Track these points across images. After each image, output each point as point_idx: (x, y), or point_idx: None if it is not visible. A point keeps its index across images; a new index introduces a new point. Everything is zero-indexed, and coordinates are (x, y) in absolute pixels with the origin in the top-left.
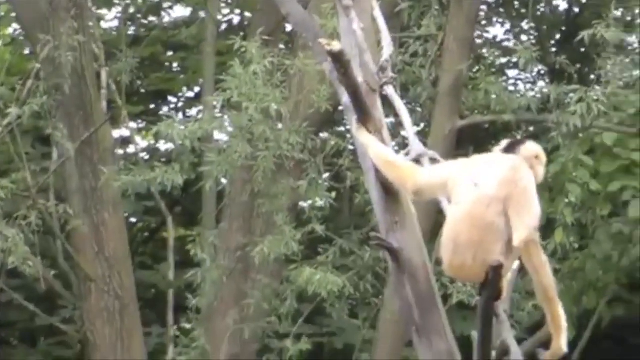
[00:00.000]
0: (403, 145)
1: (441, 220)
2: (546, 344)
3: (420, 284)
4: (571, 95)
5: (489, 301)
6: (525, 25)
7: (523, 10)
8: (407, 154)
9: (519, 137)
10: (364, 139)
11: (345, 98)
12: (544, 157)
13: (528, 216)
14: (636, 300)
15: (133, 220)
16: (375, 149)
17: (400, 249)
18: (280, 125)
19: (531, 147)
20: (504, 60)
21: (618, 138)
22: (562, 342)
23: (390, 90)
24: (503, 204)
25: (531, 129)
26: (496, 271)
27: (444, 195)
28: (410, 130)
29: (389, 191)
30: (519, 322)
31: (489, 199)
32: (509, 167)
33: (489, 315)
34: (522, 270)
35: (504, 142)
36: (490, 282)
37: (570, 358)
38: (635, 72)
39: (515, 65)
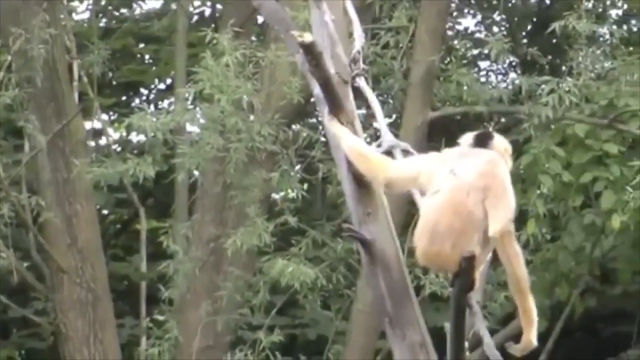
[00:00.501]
0: (375, 136)
1: (413, 212)
2: (517, 337)
3: (392, 276)
4: (543, 86)
5: (461, 292)
6: (496, 16)
7: (494, 2)
8: (379, 146)
9: (484, 129)
10: (336, 130)
11: (316, 90)
12: (510, 150)
13: (504, 208)
14: (608, 292)
15: (105, 212)
16: (347, 141)
17: (372, 240)
18: (252, 117)
19: (501, 141)
20: (475, 51)
21: (590, 129)
22: (532, 336)
23: (361, 82)
24: (482, 194)
25: (503, 120)
26: (469, 262)
27: (415, 188)
28: (382, 122)
29: (361, 183)
30: (491, 313)
31: (468, 187)
32: (487, 160)
33: (462, 307)
34: (494, 262)
35: (469, 135)
36: (463, 273)
37: (542, 349)
38: (607, 64)
39: (487, 57)
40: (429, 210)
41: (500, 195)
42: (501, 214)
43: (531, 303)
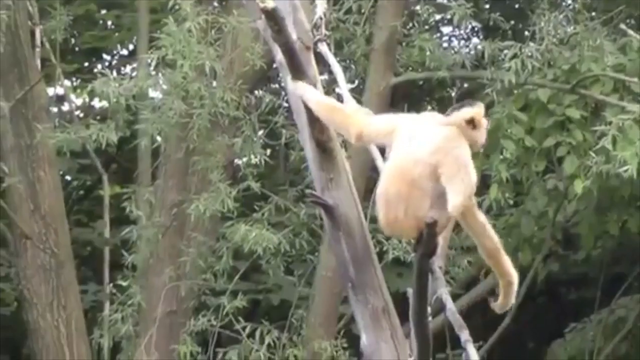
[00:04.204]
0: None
1: (375, 177)
2: (482, 302)
3: (355, 241)
4: (505, 51)
5: (423, 258)
6: None
7: None
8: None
9: (453, 95)
10: (302, 88)
11: (279, 56)
12: (481, 120)
13: (460, 183)
14: (571, 256)
15: (68, 178)
16: (315, 97)
17: (335, 205)
18: (214, 83)
19: (464, 113)
20: (438, 16)
21: (552, 94)
22: (511, 297)
23: (324, 48)
24: (431, 170)
25: (466, 85)
26: (430, 228)
27: (388, 142)
28: (344, 88)
29: (324, 149)
30: (454, 278)
31: (416, 159)
32: (444, 136)
33: (424, 272)
34: (457, 227)
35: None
36: (425, 238)
37: (506, 314)
38: (569, 29)
39: (450, 22)
40: (382, 176)
41: (454, 171)
42: (456, 189)
43: (508, 266)
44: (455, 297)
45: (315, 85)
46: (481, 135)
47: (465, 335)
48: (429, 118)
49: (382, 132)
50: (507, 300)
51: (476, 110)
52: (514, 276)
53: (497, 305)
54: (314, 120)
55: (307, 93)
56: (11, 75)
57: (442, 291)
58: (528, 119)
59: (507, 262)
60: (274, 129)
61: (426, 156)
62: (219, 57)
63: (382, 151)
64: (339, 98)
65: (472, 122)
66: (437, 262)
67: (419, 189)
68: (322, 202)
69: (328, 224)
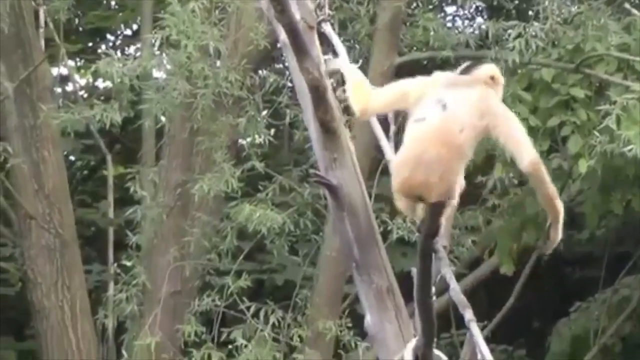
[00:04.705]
0: (341, 82)
1: (380, 157)
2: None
3: (359, 221)
4: (509, 31)
5: (427, 238)
6: None
7: None
8: (344, 91)
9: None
10: (338, 63)
11: (282, 35)
12: (500, 78)
13: (525, 137)
14: (576, 236)
15: (72, 158)
16: (348, 72)
17: (339, 185)
18: (218, 63)
19: (487, 70)
20: None
21: (557, 74)
22: (559, 232)
23: (327, 28)
24: (477, 133)
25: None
26: (436, 208)
27: (403, 107)
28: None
29: (327, 128)
30: (458, 257)
31: (462, 123)
32: (479, 97)
33: (428, 252)
34: (460, 207)
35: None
36: (429, 218)
37: (510, 293)
38: (574, 8)
39: (453, 1)
40: (415, 138)
41: (512, 130)
42: (527, 144)
43: (558, 204)
44: (459, 276)
45: (318, 66)
46: (500, 91)
47: (469, 314)
48: (445, 79)
49: (390, 101)
50: (556, 234)
51: (493, 66)
52: (562, 212)
53: (547, 245)
54: (317, 100)
55: (342, 66)
56: (15, 55)
57: (446, 271)
58: (532, 98)
59: (559, 202)
60: (278, 109)
61: (473, 120)
62: (222, 37)
63: (386, 130)
64: (342, 78)
65: (493, 79)
66: (441, 242)
67: (461, 155)
68: (326, 182)
69: (332, 203)
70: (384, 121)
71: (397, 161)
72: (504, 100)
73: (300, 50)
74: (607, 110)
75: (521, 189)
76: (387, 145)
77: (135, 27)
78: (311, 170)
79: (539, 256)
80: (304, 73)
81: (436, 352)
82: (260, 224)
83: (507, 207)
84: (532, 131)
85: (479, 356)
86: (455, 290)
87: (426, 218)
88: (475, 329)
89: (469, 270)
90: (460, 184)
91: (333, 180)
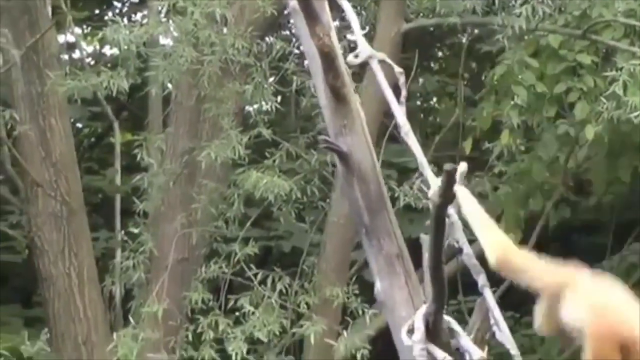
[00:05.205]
0: (349, 48)
1: (387, 123)
2: None
3: (369, 187)
4: None
5: (441, 205)
6: None
7: None
8: (356, 56)
9: (464, 41)
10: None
11: (292, 2)
12: None
13: None
14: (583, 203)
15: (79, 125)
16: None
17: (349, 152)
18: (225, 30)
19: None
20: None
21: (563, 40)
22: None
23: None
24: None
25: (476, 31)
26: (450, 175)
27: (535, 283)
28: (358, 34)
29: (337, 95)
30: (465, 224)
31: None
32: None
33: (442, 221)
34: (469, 173)
35: None
36: (442, 187)
37: None
38: None
39: None
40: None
41: None
42: None
43: None
44: (471, 242)
45: (329, 32)
46: None
47: (482, 279)
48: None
49: (529, 266)
50: None
51: None
52: None
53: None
54: (328, 66)
55: (466, 205)
56: (22, 22)
57: (459, 235)
58: (539, 65)
59: None
60: (285, 76)
61: None
62: (229, 4)
63: (397, 95)
64: (350, 45)
65: None
66: (454, 207)
67: None
68: (336, 148)
69: (341, 170)
70: (395, 88)
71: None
72: (511, 67)
73: (311, 15)
74: (614, 77)
75: (527, 156)
76: (399, 111)
77: None
78: (320, 137)
79: (546, 223)
80: (314, 39)
81: (446, 318)
82: (267, 191)
83: (514, 174)
84: (539, 97)
85: (491, 321)
86: (469, 255)
87: (440, 186)
88: (488, 294)
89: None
90: None
91: (343, 147)
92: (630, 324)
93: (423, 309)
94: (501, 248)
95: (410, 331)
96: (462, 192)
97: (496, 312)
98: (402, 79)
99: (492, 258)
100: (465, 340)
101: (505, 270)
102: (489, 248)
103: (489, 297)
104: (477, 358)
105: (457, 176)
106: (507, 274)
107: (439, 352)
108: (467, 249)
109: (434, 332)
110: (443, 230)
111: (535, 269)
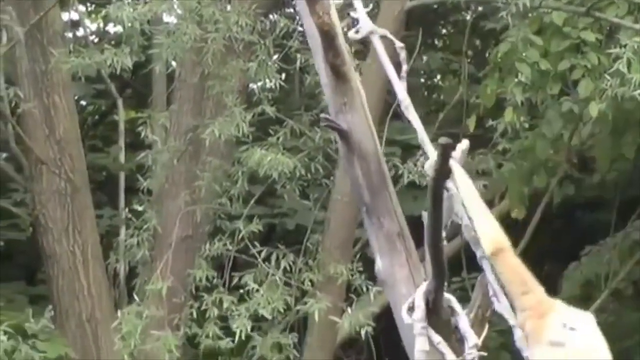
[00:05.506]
0: (352, 25)
1: (390, 101)
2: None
3: (369, 165)
4: None
5: (438, 179)
6: None
7: None
8: (357, 32)
9: (468, 19)
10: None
11: None
12: None
13: None
14: (587, 180)
15: (83, 103)
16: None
17: (349, 129)
18: (229, 7)
19: None
20: None
21: (567, 17)
22: None
23: None
24: None
25: (480, 9)
26: (445, 149)
27: (515, 296)
28: (361, 11)
29: (338, 72)
30: None
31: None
32: None
33: (439, 196)
34: (472, 151)
35: None
36: (438, 161)
37: (522, 237)
38: None
39: None
40: None
41: None
42: None
43: None
44: None
45: (329, 10)
46: None
47: (480, 251)
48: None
49: (522, 271)
50: None
51: None
52: None
53: None
54: (328, 44)
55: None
56: (26, 0)
57: (459, 208)
58: (543, 42)
59: None
60: (289, 53)
61: None
62: None
63: (399, 71)
64: (354, 22)
65: None
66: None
67: None
68: (336, 126)
69: (342, 148)
70: (396, 65)
71: None
72: (515, 44)
73: None
74: (618, 54)
75: (531, 133)
76: (399, 86)
77: None
78: (321, 115)
79: (550, 200)
80: (314, 17)
81: (447, 295)
82: (271, 169)
83: (518, 152)
84: (542, 75)
85: (490, 292)
86: (468, 227)
87: (436, 160)
88: (486, 265)
89: None
90: None
91: (343, 125)
92: None
93: (423, 286)
94: (498, 243)
95: (411, 309)
96: (458, 172)
97: (494, 284)
98: (402, 54)
99: (488, 249)
100: (463, 323)
101: (498, 266)
102: (485, 238)
103: (487, 268)
104: (471, 344)
105: (459, 153)
106: (498, 270)
107: (435, 336)
108: (466, 220)
109: (434, 310)
110: (441, 206)
111: (523, 281)
